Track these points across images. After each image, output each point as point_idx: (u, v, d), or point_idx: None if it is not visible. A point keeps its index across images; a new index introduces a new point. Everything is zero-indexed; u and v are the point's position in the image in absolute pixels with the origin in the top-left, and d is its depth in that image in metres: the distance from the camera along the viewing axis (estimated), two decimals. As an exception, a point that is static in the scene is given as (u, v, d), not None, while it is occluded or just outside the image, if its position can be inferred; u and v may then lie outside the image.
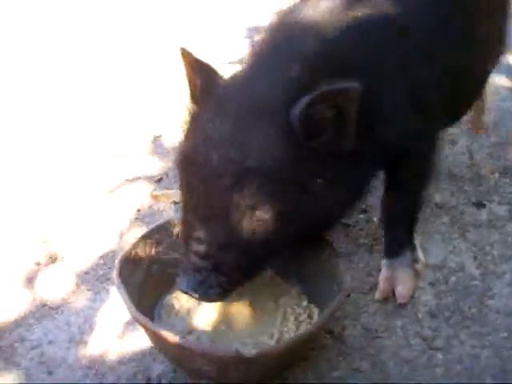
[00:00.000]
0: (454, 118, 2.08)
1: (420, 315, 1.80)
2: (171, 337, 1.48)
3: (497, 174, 2.31)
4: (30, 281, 2.06)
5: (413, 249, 1.91)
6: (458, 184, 2.26)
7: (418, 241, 1.97)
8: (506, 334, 1.71)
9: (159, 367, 1.71)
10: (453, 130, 2.44)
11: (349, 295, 1.82)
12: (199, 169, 1.46)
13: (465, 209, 2.15)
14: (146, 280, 1.75)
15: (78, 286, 2.02)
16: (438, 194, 2.20)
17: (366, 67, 1.51)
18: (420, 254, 1.95)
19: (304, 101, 1.37)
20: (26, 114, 3.02)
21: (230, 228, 1.44)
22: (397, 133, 1.61)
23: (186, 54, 1.55)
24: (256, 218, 1.42)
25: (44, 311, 1.94)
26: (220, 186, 1.42)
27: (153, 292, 1.76)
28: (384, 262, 1.88)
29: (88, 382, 1.71)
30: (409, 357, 1.68)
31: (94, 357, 1.78)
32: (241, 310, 1.71)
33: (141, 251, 1.77)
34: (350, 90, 1.37)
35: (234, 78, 1.58)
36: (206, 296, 1.56)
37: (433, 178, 1.87)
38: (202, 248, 1.50)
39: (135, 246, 1.76)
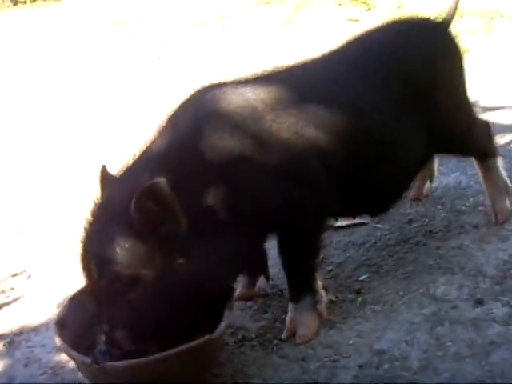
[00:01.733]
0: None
1: None
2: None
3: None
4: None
5: (313, 293, 2.00)
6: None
7: (319, 284, 2.03)
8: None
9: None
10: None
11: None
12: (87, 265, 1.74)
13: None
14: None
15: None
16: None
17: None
18: (322, 296, 2.03)
19: (135, 196, 1.63)
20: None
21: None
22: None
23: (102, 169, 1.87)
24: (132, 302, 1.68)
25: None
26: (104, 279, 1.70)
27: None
28: (289, 306, 2.02)
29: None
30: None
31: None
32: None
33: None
34: (154, 185, 1.63)
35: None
36: None
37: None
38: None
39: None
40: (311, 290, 2.00)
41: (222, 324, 1.73)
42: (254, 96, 1.90)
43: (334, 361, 1.85)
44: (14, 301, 2.40)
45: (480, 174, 2.45)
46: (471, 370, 1.72)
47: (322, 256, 2.32)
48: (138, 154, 1.86)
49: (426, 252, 2.31)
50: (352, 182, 2.02)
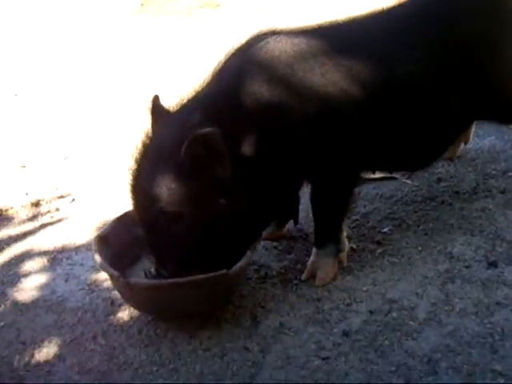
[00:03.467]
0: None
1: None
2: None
3: None
4: None
5: (337, 241, 2.13)
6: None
7: (344, 233, 2.16)
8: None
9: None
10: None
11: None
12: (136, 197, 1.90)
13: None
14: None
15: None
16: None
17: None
18: (345, 245, 2.15)
19: (185, 143, 1.75)
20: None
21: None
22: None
23: (154, 99, 1.95)
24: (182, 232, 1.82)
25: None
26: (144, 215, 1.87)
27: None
28: (313, 250, 2.15)
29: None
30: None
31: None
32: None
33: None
34: (208, 133, 1.74)
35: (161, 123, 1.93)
36: None
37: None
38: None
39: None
40: (335, 239, 2.12)
41: (240, 263, 1.86)
42: (306, 47, 1.96)
43: (347, 304, 1.98)
44: (58, 221, 2.59)
45: None
46: (473, 326, 1.83)
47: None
48: (191, 93, 1.96)
49: (449, 212, 2.39)
50: (390, 137, 2.10)
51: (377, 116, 2.04)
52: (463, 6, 2.21)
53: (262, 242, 2.28)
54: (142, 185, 1.85)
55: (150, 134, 1.90)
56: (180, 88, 2.07)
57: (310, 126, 1.93)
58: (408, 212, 2.43)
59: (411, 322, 1.88)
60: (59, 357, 1.89)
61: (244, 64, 1.94)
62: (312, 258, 2.13)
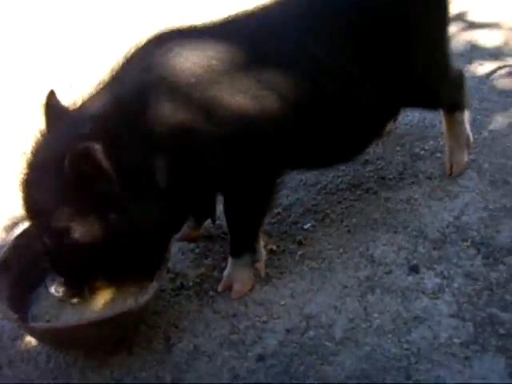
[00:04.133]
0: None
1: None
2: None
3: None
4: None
5: (253, 251, 2.05)
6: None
7: (261, 243, 2.08)
8: None
9: None
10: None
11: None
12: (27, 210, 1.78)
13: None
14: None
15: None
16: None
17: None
18: (261, 254, 2.07)
19: (68, 155, 1.63)
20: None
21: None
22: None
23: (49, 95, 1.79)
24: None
25: None
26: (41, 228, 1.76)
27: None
28: (229, 260, 2.07)
29: None
30: None
31: None
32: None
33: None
34: (88, 149, 1.62)
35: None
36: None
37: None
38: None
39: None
40: (252, 248, 2.03)
41: (146, 296, 1.77)
42: (212, 55, 1.79)
43: (264, 322, 1.91)
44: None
45: (444, 124, 2.38)
46: (390, 346, 1.79)
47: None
48: (88, 94, 1.80)
49: (374, 202, 2.31)
50: (304, 139, 1.97)
51: (294, 121, 1.91)
52: None
53: (178, 244, 2.18)
54: (30, 197, 1.75)
55: (42, 136, 1.76)
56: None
57: (217, 144, 1.79)
58: (331, 202, 2.33)
59: (328, 343, 1.83)
60: (-40, 393, 1.80)
61: (144, 74, 1.75)
62: (228, 269, 2.05)
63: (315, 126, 1.96)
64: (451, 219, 2.20)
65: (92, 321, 1.70)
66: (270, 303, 1.97)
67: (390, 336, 1.83)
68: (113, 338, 1.82)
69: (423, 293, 1.95)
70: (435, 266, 2.04)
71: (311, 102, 1.92)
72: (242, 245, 2.03)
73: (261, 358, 1.81)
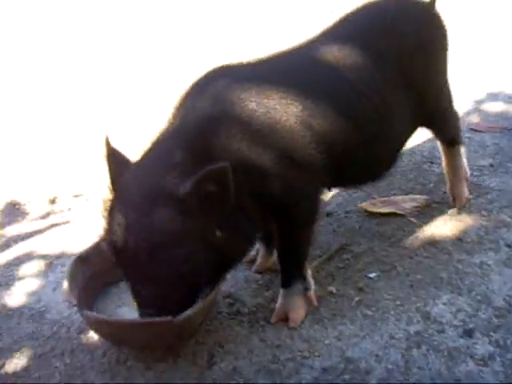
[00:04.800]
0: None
1: None
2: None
3: None
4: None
5: (303, 280, 2.14)
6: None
7: (309, 272, 2.16)
8: None
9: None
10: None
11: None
12: (121, 252, 1.77)
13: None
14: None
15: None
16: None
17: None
18: (311, 283, 2.15)
19: (194, 179, 1.70)
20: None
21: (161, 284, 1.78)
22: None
23: (107, 143, 1.86)
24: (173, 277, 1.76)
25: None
26: (139, 262, 1.73)
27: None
28: (280, 292, 2.16)
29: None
30: None
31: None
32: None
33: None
34: (223, 168, 1.71)
35: (134, 165, 1.86)
36: None
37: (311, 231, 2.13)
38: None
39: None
40: (301, 277, 2.12)
41: (189, 311, 1.85)
42: (268, 89, 1.95)
43: (304, 357, 1.96)
44: (65, 223, 2.71)
45: (444, 159, 2.63)
46: (423, 405, 1.78)
47: (344, 243, 2.42)
48: (159, 132, 1.93)
49: (445, 262, 2.28)
50: (347, 160, 2.13)
51: (339, 144, 2.07)
52: (402, 21, 2.30)
53: (245, 274, 2.30)
54: (128, 234, 1.74)
55: (117, 179, 1.84)
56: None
57: (277, 165, 1.92)
58: (402, 257, 2.34)
59: (359, 389, 1.85)
60: (26, 370, 2.01)
61: (214, 108, 1.90)
62: (280, 300, 2.12)
63: (356, 148, 2.12)
64: (522, 290, 2.13)
65: (142, 322, 1.85)
66: (315, 341, 2.01)
67: (424, 395, 1.81)
68: (159, 343, 1.96)
69: (471, 357, 1.90)
70: (492, 333, 1.97)
71: (355, 125, 2.09)
72: (292, 273, 2.12)
73: (292, 390, 1.86)
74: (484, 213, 2.53)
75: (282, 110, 1.94)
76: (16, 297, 2.32)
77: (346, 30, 2.25)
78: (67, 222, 2.69)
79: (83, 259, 2.13)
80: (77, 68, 4.69)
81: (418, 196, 2.65)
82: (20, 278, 2.41)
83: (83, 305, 1.96)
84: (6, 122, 3.81)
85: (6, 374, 2.00)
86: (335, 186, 2.36)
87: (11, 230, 2.71)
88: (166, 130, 1.93)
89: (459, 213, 2.53)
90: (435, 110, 2.45)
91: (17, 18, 5.38)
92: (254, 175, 1.91)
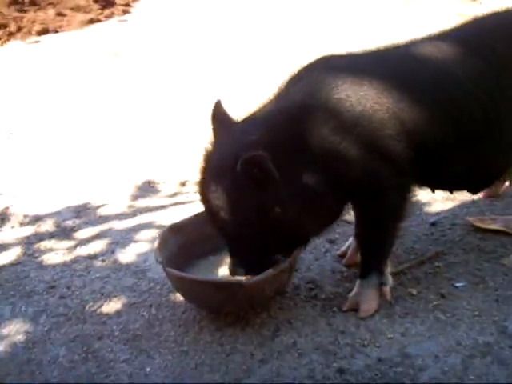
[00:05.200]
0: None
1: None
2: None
3: None
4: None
5: (381, 273, 2.14)
6: None
7: (388, 269, 2.15)
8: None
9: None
10: None
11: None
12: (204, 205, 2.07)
13: None
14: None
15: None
16: None
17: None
18: (388, 279, 2.15)
19: (240, 161, 1.89)
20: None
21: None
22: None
23: (216, 105, 2.09)
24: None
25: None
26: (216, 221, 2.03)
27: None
28: (357, 282, 2.20)
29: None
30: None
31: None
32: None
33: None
34: (257, 156, 1.87)
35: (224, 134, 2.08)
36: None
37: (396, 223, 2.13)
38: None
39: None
40: (379, 271, 2.13)
41: (259, 276, 1.99)
42: (367, 81, 2.01)
43: (363, 345, 1.98)
44: (188, 202, 2.95)
45: None
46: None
47: (439, 250, 2.37)
48: (256, 108, 2.10)
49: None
50: (444, 159, 2.11)
51: (433, 142, 2.06)
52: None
53: (332, 265, 2.36)
54: (207, 194, 2.03)
55: (213, 142, 2.08)
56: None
57: (361, 153, 1.98)
58: (496, 272, 2.24)
59: (408, 382, 1.81)
60: (117, 313, 2.26)
61: (307, 97, 2.01)
62: (355, 289, 2.16)
63: (455, 148, 2.09)
64: None
65: (213, 280, 2.01)
66: (379, 333, 2.02)
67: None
68: (230, 305, 2.09)
69: (538, 376, 1.78)
70: None
71: (455, 124, 2.06)
72: (370, 265, 2.14)
73: (341, 371, 1.88)
74: None
75: (372, 99, 1.99)
76: (127, 255, 2.60)
77: (465, 31, 2.24)
78: (191, 202, 2.93)
79: (176, 228, 2.34)
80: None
81: (532, 218, 2.51)
82: (135, 241, 2.69)
83: (171, 266, 2.16)
84: (152, 112, 4.21)
85: (101, 312, 2.27)
86: (436, 186, 2.29)
87: (141, 203, 3.02)
88: (262, 108, 2.09)
89: None
90: None
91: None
92: (336, 162, 1.98)
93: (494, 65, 2.12)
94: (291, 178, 1.97)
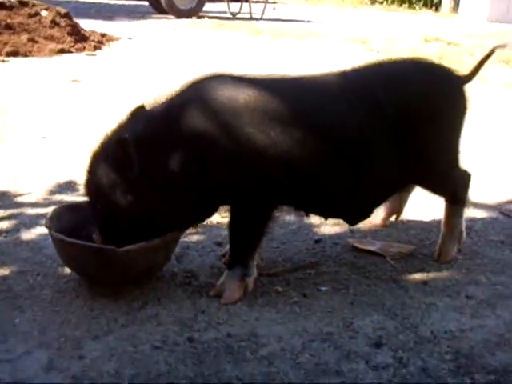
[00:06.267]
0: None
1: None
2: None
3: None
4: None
5: (245, 266, 2.31)
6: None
7: (254, 262, 2.34)
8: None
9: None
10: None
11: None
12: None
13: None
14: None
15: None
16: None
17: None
18: (251, 271, 2.32)
19: (110, 144, 2.18)
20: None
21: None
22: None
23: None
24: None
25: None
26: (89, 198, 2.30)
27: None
28: (225, 271, 2.38)
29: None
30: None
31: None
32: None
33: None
34: (121, 139, 2.12)
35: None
36: None
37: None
38: None
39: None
40: (244, 264, 2.30)
41: (134, 245, 2.17)
42: (246, 96, 2.20)
43: (218, 323, 2.14)
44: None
45: (443, 213, 2.64)
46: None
47: (314, 261, 2.55)
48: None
49: (396, 294, 2.34)
50: (308, 188, 2.30)
51: (303, 170, 2.24)
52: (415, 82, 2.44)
53: (213, 262, 2.54)
54: (89, 180, 2.27)
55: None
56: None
57: (233, 161, 2.17)
58: (360, 283, 2.43)
59: (248, 354, 1.98)
60: (4, 277, 2.39)
61: (184, 96, 2.24)
62: (221, 278, 2.34)
63: (321, 179, 2.28)
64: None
65: (89, 244, 2.20)
66: (236, 316, 2.18)
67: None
68: (105, 273, 2.26)
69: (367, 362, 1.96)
70: (400, 351, 2.01)
71: (326, 157, 2.25)
72: (235, 258, 2.32)
73: (191, 339, 2.04)
74: (464, 271, 2.54)
75: (246, 113, 2.17)
76: (29, 234, 2.76)
77: (357, 73, 2.46)
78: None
79: (71, 207, 2.52)
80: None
81: (405, 245, 2.72)
82: (41, 225, 2.83)
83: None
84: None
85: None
86: (308, 211, 2.47)
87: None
88: (156, 106, 2.30)
89: (439, 265, 2.57)
90: (429, 170, 2.49)
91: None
92: (201, 163, 2.17)
93: (370, 106, 2.30)
94: (155, 172, 2.17)
